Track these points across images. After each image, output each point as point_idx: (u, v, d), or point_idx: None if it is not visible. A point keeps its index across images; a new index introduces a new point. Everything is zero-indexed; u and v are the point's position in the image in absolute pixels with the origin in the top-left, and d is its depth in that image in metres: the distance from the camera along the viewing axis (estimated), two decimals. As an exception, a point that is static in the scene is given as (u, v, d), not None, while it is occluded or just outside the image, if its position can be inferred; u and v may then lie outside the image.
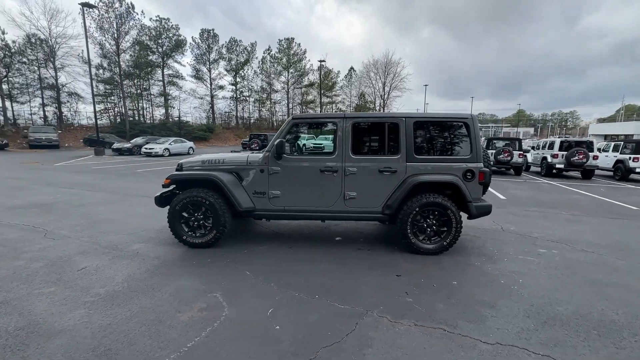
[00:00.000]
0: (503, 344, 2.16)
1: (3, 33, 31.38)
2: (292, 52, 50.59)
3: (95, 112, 22.95)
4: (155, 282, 3.04)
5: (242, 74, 48.12)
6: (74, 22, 44.12)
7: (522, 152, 13.54)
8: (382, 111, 57.32)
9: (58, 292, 2.82)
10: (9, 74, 32.36)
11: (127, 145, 22.68)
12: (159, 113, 43.06)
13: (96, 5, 21.62)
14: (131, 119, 38.14)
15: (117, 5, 33.36)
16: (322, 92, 53.72)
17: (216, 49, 44.70)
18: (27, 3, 49.42)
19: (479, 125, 5.20)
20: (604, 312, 2.58)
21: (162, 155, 21.54)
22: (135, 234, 4.51)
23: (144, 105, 42.08)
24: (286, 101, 52.72)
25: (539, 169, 14.21)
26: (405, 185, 3.80)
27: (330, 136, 10.62)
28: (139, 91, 39.98)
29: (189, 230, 3.97)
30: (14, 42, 31.82)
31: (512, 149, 13.16)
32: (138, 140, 24.43)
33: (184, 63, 45.18)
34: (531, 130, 75.08)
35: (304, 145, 4.25)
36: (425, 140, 3.94)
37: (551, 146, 13.36)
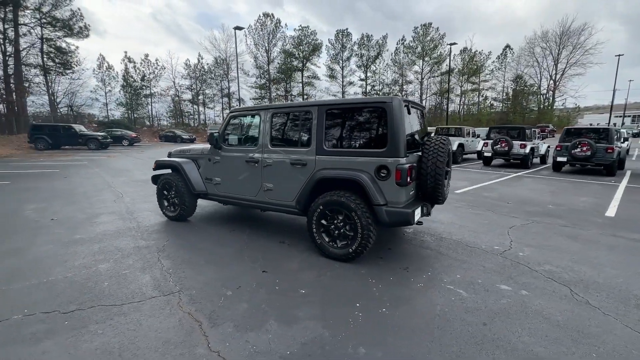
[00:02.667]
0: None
1: (202, 58, 43.69)
2: (428, 38, 47.07)
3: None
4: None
5: (373, 69, 48.66)
6: (240, 43, 56.35)
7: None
8: (549, 95, 45.52)
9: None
10: (203, 87, 44.87)
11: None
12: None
13: (244, 27, 26.92)
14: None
15: (268, 23, 40.32)
16: (465, 77, 47.64)
17: (349, 47, 46.95)
18: (215, 33, 66.44)
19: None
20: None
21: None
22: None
23: (288, 105, 49.23)
24: (419, 92, 49.79)
25: None
26: (311, 180, 3.43)
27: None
28: (284, 93, 47.09)
29: (167, 204, 4.94)
30: (207, 64, 43.84)
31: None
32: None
33: (319, 64, 49.67)
34: None
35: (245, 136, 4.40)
36: (338, 131, 3.37)
37: None
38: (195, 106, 46.77)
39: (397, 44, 48.31)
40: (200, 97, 45.08)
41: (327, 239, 3.39)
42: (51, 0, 28.94)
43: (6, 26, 26.76)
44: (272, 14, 41.15)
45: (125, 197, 6.45)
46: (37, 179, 8.80)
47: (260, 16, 42.39)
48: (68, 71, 33.29)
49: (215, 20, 70.59)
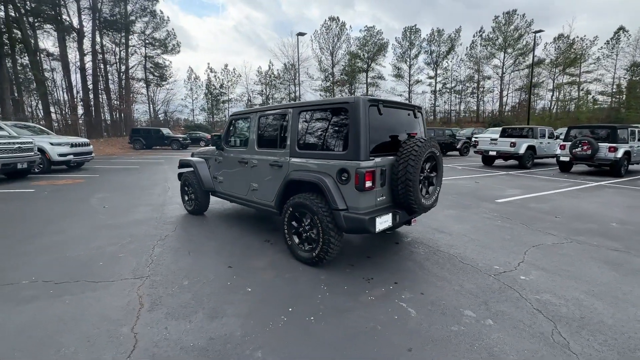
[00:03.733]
0: None
1: (272, 65, 46.72)
2: (511, 27, 41.96)
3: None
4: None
5: (444, 65, 45.46)
6: (307, 48, 58.33)
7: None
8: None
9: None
10: (273, 92, 47.91)
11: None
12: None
13: (306, 33, 27.91)
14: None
15: (333, 26, 41.00)
16: (561, 69, 41.07)
17: (417, 44, 44.75)
18: (284, 40, 70.02)
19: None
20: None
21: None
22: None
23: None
24: (499, 88, 44.73)
25: None
26: (284, 181, 3.45)
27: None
28: (348, 95, 47.34)
29: (187, 199, 5.50)
30: (277, 69, 46.74)
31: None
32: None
33: (384, 64, 48.02)
34: None
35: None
36: (308, 132, 3.30)
37: None
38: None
39: (473, 37, 44.24)
40: (270, 101, 48.20)
41: (297, 241, 3.38)
42: (152, 24, 34.50)
43: (120, 49, 32.84)
44: (338, 17, 41.81)
45: (169, 192, 7.37)
46: (118, 174, 10.63)
47: (326, 20, 43.54)
48: (164, 83, 39.22)
49: (289, 27, 74.69)
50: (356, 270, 3.18)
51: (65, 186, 8.10)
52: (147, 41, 35.23)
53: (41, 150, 10.23)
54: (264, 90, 47.41)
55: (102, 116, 31.13)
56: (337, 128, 3.08)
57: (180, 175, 5.69)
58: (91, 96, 28.17)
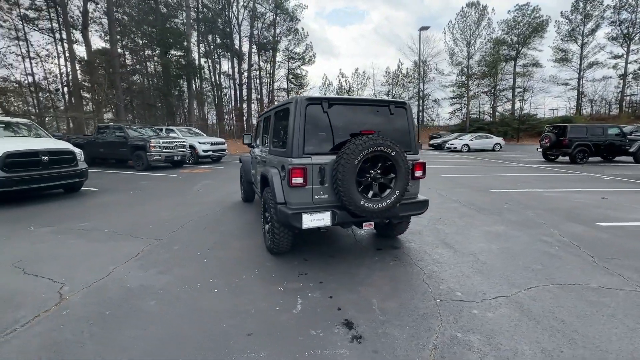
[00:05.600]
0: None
1: (401, 64, 45.79)
2: None
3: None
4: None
5: (643, 37, 32.81)
6: (439, 42, 53.38)
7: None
8: None
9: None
10: (400, 91, 46.89)
11: (438, 141, 25.88)
12: (504, 108, 41.50)
13: (430, 26, 25.91)
14: (475, 116, 40.53)
15: (472, 13, 36.27)
16: None
17: (597, 15, 34.07)
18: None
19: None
20: None
21: (460, 151, 22.48)
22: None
23: (493, 101, 42.33)
24: None
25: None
26: (262, 175, 3.81)
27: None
28: (487, 89, 41.02)
29: (241, 189, 6.57)
30: (407, 68, 45.56)
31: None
32: (448, 136, 26.79)
33: (541, 47, 38.41)
34: None
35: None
36: (277, 132, 3.52)
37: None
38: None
39: None
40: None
41: (265, 230, 3.73)
42: (294, 40, 40.05)
43: (269, 65, 39.80)
44: (478, 2, 36.61)
45: (251, 182, 8.86)
46: (238, 167, 13.32)
47: (462, 8, 38.97)
48: (301, 91, 44.84)
49: (432, 21, 70.49)
50: (303, 264, 3.26)
51: (197, 174, 10.90)
52: (290, 56, 41.27)
53: (192, 147, 14.05)
54: (391, 91, 47.01)
55: (250, 121, 38.81)
56: (286, 127, 3.26)
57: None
58: (244, 105, 35.52)
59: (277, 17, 36.79)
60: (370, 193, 2.98)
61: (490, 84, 40.12)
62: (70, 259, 3.41)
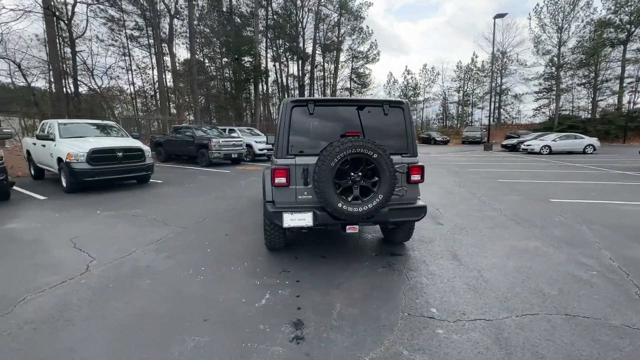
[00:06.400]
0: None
1: (476, 57, 41.90)
2: None
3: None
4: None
5: None
6: (523, 29, 46.75)
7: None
8: None
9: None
10: (474, 87, 42.89)
11: (513, 141, 22.96)
12: (608, 103, 34.56)
13: (507, 13, 22.86)
14: (567, 112, 34.82)
15: (566, -8, 31.06)
16: None
17: None
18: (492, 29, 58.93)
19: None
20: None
21: (538, 153, 19.61)
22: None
23: (592, 94, 35.62)
24: None
25: None
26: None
27: None
28: (582, 81, 34.77)
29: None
30: (482, 61, 41.48)
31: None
32: (527, 136, 23.53)
33: None
34: None
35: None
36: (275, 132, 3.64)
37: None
38: (461, 107, 45.91)
39: None
40: (469, 97, 43.53)
41: (267, 226, 3.92)
42: (358, 39, 39.82)
43: (333, 65, 40.34)
44: (575, -22, 31.12)
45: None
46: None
47: (557, -12, 33.48)
48: (364, 90, 44.40)
49: (514, 8, 62.40)
50: (292, 262, 3.35)
51: (248, 171, 11.77)
52: (353, 55, 41.17)
53: (250, 146, 15.17)
54: (462, 86, 43.33)
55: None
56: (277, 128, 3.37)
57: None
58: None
59: (342, 18, 37.03)
60: (351, 196, 2.91)
61: (589, 75, 33.86)
62: (110, 239, 4.09)
